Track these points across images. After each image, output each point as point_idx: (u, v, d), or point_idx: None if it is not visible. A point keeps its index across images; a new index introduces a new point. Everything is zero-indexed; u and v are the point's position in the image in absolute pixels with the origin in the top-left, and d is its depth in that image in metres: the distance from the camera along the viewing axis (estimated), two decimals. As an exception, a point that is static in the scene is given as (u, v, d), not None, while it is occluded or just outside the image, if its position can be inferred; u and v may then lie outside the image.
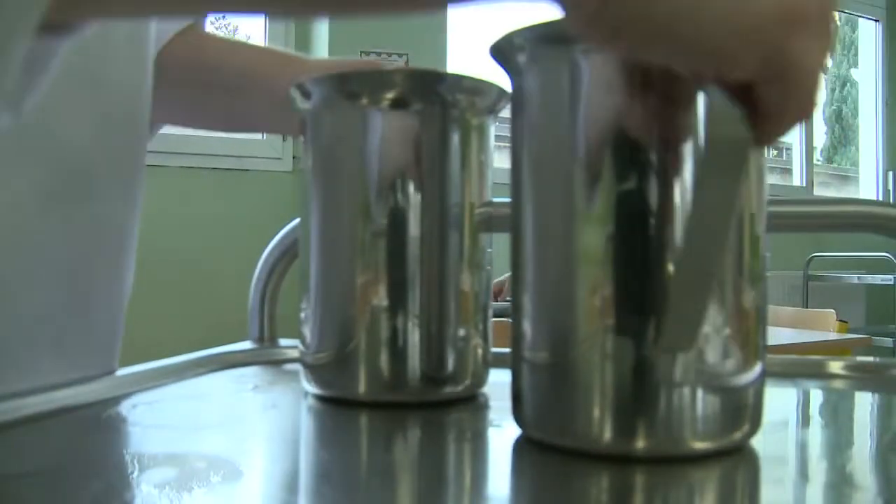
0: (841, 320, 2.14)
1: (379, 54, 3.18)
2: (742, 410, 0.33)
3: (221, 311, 2.49)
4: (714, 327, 0.32)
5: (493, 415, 0.44)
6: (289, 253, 0.62)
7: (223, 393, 0.50)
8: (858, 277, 4.27)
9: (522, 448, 0.36)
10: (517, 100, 0.36)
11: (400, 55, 3.19)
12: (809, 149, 4.68)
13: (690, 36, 0.26)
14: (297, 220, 0.60)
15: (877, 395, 0.51)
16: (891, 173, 4.81)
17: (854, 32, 6.01)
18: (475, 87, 0.45)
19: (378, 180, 0.44)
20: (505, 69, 0.37)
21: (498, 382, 0.53)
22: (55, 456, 0.35)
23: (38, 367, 0.46)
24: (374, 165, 0.44)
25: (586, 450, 0.33)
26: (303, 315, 0.47)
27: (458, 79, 0.45)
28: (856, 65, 5.80)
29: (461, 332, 0.45)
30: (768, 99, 0.28)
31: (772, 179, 5.32)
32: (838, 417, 0.47)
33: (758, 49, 0.27)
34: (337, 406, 0.45)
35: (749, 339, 0.33)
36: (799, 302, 4.22)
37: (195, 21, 0.62)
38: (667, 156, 0.31)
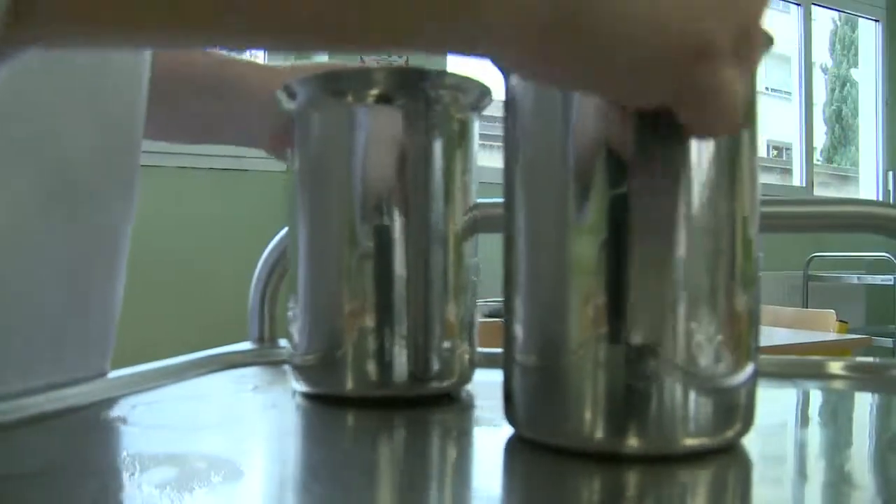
0: (841, 321, 2.14)
1: (379, 57, 3.18)
2: (734, 411, 0.33)
3: (219, 312, 2.49)
4: (706, 331, 0.32)
5: (488, 414, 0.44)
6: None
7: (223, 393, 0.50)
8: (858, 278, 4.27)
9: (514, 447, 0.36)
10: (510, 101, 0.36)
11: (400, 55, 3.19)
12: (809, 149, 4.68)
13: (604, 70, 0.28)
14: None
15: (876, 396, 0.51)
16: (891, 173, 4.80)
17: (854, 32, 6.00)
18: (458, 84, 0.45)
19: (364, 179, 0.44)
20: (498, 68, 0.37)
21: (494, 382, 0.53)
22: (55, 456, 0.35)
23: (36, 368, 0.46)
24: (360, 164, 0.44)
25: (578, 449, 0.33)
26: (290, 314, 0.47)
27: (442, 75, 0.45)
28: (856, 65, 5.80)
29: (447, 337, 0.46)
30: (687, 120, 0.30)
31: (771, 179, 5.33)
32: (838, 418, 0.47)
33: (666, 80, 0.28)
34: (334, 406, 0.45)
35: (742, 341, 0.33)
36: (799, 302, 4.21)
37: None
38: (659, 163, 0.31)
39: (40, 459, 0.35)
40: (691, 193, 0.31)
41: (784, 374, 0.54)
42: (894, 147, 4.88)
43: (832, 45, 7.39)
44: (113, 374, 0.50)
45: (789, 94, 4.84)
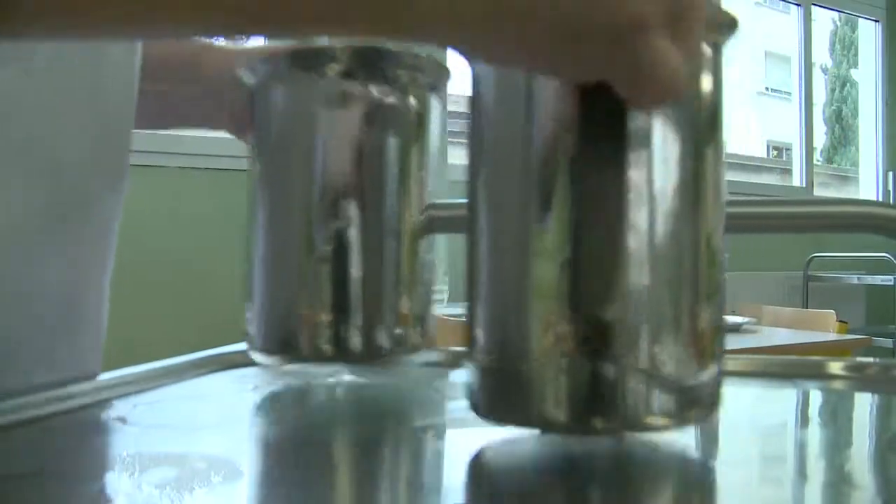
0: (841, 321, 2.14)
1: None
2: (697, 394, 0.32)
3: (219, 312, 2.49)
4: (668, 317, 0.31)
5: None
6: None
7: (223, 393, 0.50)
8: (858, 278, 4.27)
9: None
10: (475, 92, 0.35)
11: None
12: (809, 149, 4.68)
13: (541, 45, 0.29)
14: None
15: (876, 396, 0.51)
16: (891, 173, 4.81)
17: (854, 32, 6.00)
18: (416, 63, 0.46)
19: (320, 157, 0.44)
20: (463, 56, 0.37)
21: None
22: (55, 456, 0.35)
23: (28, 380, 0.46)
24: (316, 141, 0.45)
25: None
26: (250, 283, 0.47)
27: (399, 54, 0.46)
28: (856, 65, 5.80)
29: (399, 323, 0.45)
30: (624, 93, 0.30)
31: (771, 179, 5.33)
32: (838, 418, 0.47)
33: (601, 52, 0.29)
34: (337, 406, 0.45)
35: (706, 349, 0.32)
36: (799, 302, 4.21)
37: None
38: (623, 158, 0.31)
39: (40, 460, 0.35)
40: (654, 186, 0.31)
41: (784, 374, 0.54)
42: (894, 147, 4.88)
43: (832, 45, 7.39)
44: (113, 374, 0.50)
45: (789, 94, 4.85)
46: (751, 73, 8.64)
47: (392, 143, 0.45)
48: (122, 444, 0.39)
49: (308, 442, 0.41)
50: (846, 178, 5.89)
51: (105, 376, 0.49)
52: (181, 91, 0.62)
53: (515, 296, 0.32)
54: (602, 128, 0.31)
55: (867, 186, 4.95)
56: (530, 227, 0.32)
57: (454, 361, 0.57)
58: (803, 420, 0.46)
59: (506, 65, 0.33)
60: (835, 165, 6.55)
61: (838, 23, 7.18)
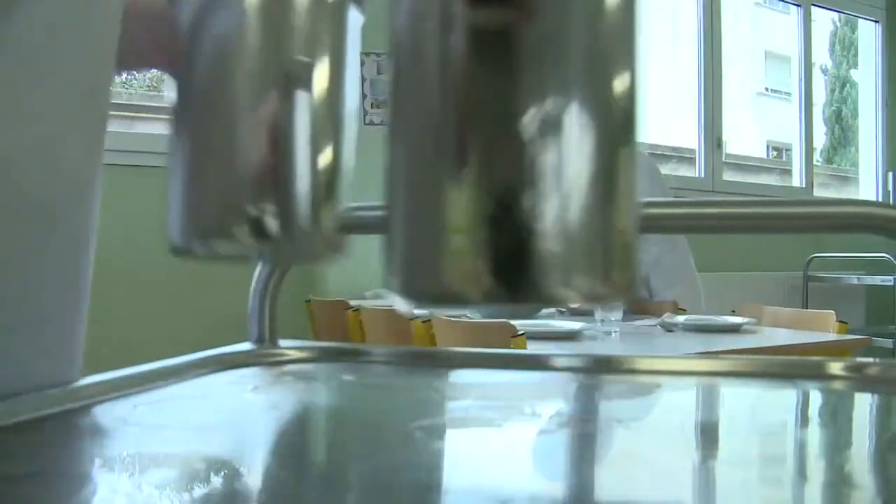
0: (841, 321, 2.14)
1: (379, 55, 3.18)
2: (609, 263, 0.31)
3: (219, 312, 2.49)
4: (581, 217, 0.30)
5: (487, 413, 0.45)
6: (289, 253, 0.62)
7: (223, 393, 0.50)
8: (858, 278, 4.27)
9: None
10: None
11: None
12: (809, 149, 4.68)
13: None
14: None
15: (876, 396, 0.51)
16: (891, 174, 4.81)
17: (854, 33, 6.01)
18: None
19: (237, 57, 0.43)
20: None
21: (487, 383, 0.53)
22: (55, 456, 0.35)
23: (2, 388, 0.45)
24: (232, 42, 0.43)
25: (456, 302, 0.31)
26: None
27: None
28: (855, 65, 5.80)
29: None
30: None
31: (771, 180, 5.33)
32: (838, 418, 0.47)
33: None
34: (337, 406, 0.45)
35: (619, 228, 0.30)
36: (799, 303, 4.22)
37: None
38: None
39: (40, 460, 0.35)
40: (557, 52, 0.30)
41: (784, 375, 0.54)
42: (894, 148, 4.88)
43: (832, 45, 7.40)
44: (113, 374, 0.50)
45: (789, 94, 4.85)
46: (751, 74, 8.64)
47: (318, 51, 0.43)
48: (122, 444, 0.39)
49: (308, 442, 0.41)
50: (846, 179, 5.89)
51: (105, 376, 0.49)
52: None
53: (428, 172, 0.31)
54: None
55: (867, 186, 4.96)
56: (440, 94, 0.30)
57: (454, 361, 0.57)
58: (803, 420, 0.46)
59: None
60: (834, 166, 6.55)
61: (838, 23, 7.19)
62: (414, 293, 0.32)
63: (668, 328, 2.04)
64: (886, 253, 3.95)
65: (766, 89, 9.00)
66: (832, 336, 2.08)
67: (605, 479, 0.33)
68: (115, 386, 0.47)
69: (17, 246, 0.49)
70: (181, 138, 0.43)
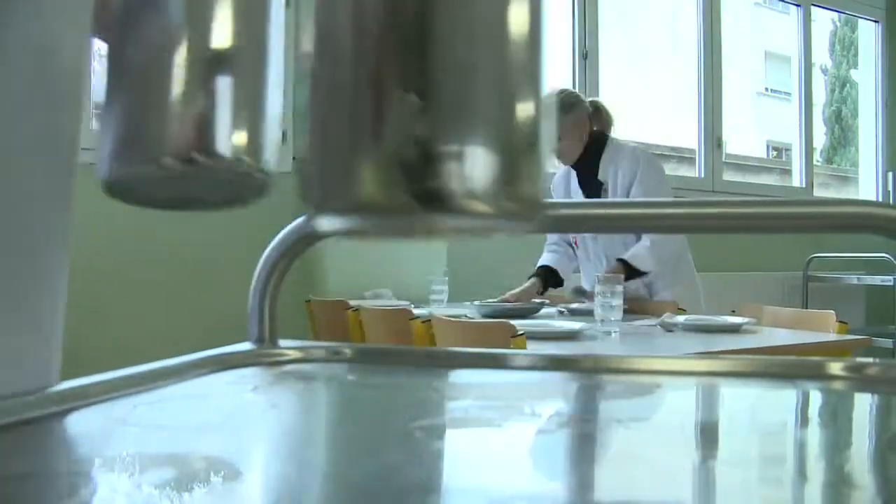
0: (841, 321, 2.14)
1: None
2: (513, 178, 0.31)
3: (219, 312, 2.49)
4: (487, 127, 0.30)
5: (487, 413, 0.45)
6: (289, 253, 0.62)
7: (223, 393, 0.50)
8: (858, 278, 4.27)
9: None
10: None
11: None
12: (809, 149, 4.68)
13: None
14: (297, 221, 0.60)
15: (876, 396, 0.51)
16: (890, 174, 4.81)
17: (854, 33, 6.01)
18: None
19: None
20: None
21: (487, 383, 0.53)
22: (55, 456, 0.35)
23: None
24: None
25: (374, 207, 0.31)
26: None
27: None
28: (855, 65, 5.80)
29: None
30: None
31: (771, 180, 5.33)
32: (838, 418, 0.47)
33: None
34: (337, 406, 0.45)
35: (526, 140, 0.30)
36: (799, 303, 4.22)
37: None
38: None
39: (39, 459, 0.35)
40: None
41: (784, 375, 0.54)
42: (894, 148, 4.88)
43: (832, 45, 7.40)
44: (112, 373, 0.50)
45: (789, 94, 4.85)
46: (751, 74, 8.65)
47: None
48: (122, 444, 0.39)
49: (308, 442, 0.41)
50: (846, 179, 5.89)
51: (105, 376, 0.49)
52: None
53: (342, 96, 0.31)
54: None
55: (867, 187, 4.96)
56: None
57: (454, 361, 0.57)
58: (803, 420, 0.46)
59: None
60: (834, 166, 6.55)
61: (838, 23, 7.19)
62: (330, 206, 0.32)
63: (668, 328, 2.04)
64: (886, 253, 3.95)
65: (766, 89, 9.00)
66: (832, 336, 2.08)
67: (605, 479, 0.33)
68: (114, 386, 0.47)
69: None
70: (110, 109, 0.43)
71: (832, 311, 2.19)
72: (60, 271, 0.56)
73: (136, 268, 2.99)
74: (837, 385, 0.54)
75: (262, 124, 0.42)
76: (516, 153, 0.30)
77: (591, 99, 2.72)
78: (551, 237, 2.82)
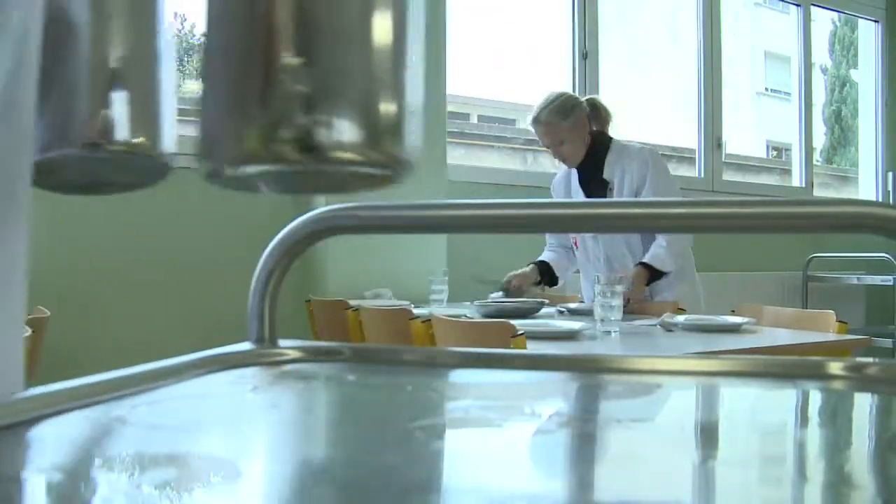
0: (840, 321, 2.14)
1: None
2: (377, 133, 0.33)
3: (219, 312, 2.49)
4: (350, 83, 0.32)
5: (487, 413, 0.45)
6: (289, 253, 0.62)
7: (223, 393, 0.50)
8: (858, 278, 4.27)
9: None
10: None
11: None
12: (809, 149, 4.68)
13: None
14: (297, 221, 0.60)
15: (876, 396, 0.51)
16: (890, 174, 4.81)
17: (854, 33, 6.01)
18: None
19: None
20: None
21: (487, 383, 0.53)
22: (55, 456, 0.35)
23: None
24: None
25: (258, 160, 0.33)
26: None
27: None
28: (855, 65, 5.80)
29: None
30: None
31: (771, 180, 5.33)
32: (838, 418, 0.47)
33: None
34: (337, 406, 0.45)
35: (393, 95, 0.33)
36: (798, 302, 4.22)
37: None
38: None
39: (39, 460, 0.35)
40: None
41: (784, 375, 0.54)
42: (894, 147, 4.88)
43: (832, 45, 7.40)
44: (112, 374, 0.50)
45: (789, 94, 4.85)
46: (750, 74, 8.64)
47: None
48: (122, 444, 0.39)
49: (307, 442, 0.41)
50: (846, 179, 5.89)
51: (104, 376, 0.49)
52: None
53: (230, 46, 0.34)
54: None
55: (867, 186, 4.96)
56: None
57: (454, 361, 0.57)
58: (803, 420, 0.46)
59: None
60: (834, 166, 6.56)
61: (838, 23, 7.19)
62: (223, 158, 0.35)
63: (668, 328, 2.04)
64: (886, 253, 3.95)
65: (766, 89, 9.00)
66: (832, 336, 2.08)
67: (605, 479, 0.33)
68: (114, 386, 0.47)
69: None
70: None
71: (832, 311, 2.20)
72: (15, 266, 0.55)
73: (136, 268, 2.99)
74: (837, 385, 0.54)
75: (158, 114, 0.45)
76: (382, 113, 0.34)
77: (587, 97, 2.72)
78: (550, 240, 2.83)
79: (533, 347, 1.68)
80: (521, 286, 2.69)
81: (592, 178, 2.59)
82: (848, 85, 7.04)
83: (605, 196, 2.54)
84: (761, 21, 8.25)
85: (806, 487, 0.32)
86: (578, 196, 2.64)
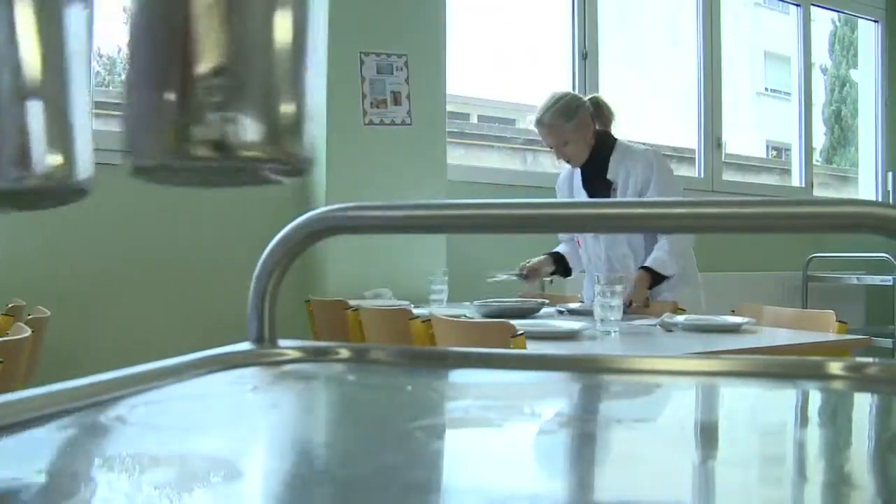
0: (840, 321, 2.14)
1: (378, 55, 3.18)
2: (277, 133, 0.36)
3: (218, 312, 2.49)
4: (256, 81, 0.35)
5: (487, 413, 0.45)
6: (289, 253, 0.62)
7: (223, 393, 0.50)
8: (858, 278, 4.27)
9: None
10: None
11: (399, 55, 3.19)
12: (809, 149, 4.68)
13: None
14: (297, 221, 0.60)
15: (876, 396, 0.51)
16: (890, 174, 4.81)
17: (853, 33, 6.01)
18: None
19: None
20: None
21: (487, 383, 0.53)
22: (55, 456, 0.35)
23: None
24: None
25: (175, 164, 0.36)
26: None
27: None
28: (855, 65, 5.80)
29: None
30: None
31: (771, 180, 5.33)
32: (838, 418, 0.47)
33: None
34: (337, 406, 0.45)
35: (293, 95, 0.36)
36: (798, 302, 4.22)
37: None
38: None
39: (39, 460, 0.35)
40: None
41: (784, 375, 0.54)
42: (894, 147, 4.88)
43: (831, 45, 7.40)
44: (113, 374, 0.50)
45: (789, 94, 4.85)
46: (750, 74, 8.65)
47: None
48: (122, 444, 0.39)
49: (307, 442, 0.41)
50: (846, 179, 5.89)
51: (105, 376, 0.49)
52: None
53: (151, 54, 0.36)
54: None
55: (867, 186, 4.96)
56: None
57: (454, 361, 0.57)
58: (803, 420, 0.46)
59: None
60: (834, 166, 6.56)
61: (838, 23, 7.19)
62: (144, 154, 0.38)
63: (668, 328, 2.04)
64: (886, 253, 3.95)
65: (766, 89, 9.00)
66: (832, 336, 2.08)
67: (605, 479, 0.33)
68: (114, 386, 0.47)
69: None
70: None
71: (832, 311, 2.19)
72: None
73: (136, 268, 2.99)
74: (837, 385, 0.54)
75: (72, 143, 0.47)
76: (284, 117, 0.36)
77: (590, 96, 2.72)
78: (563, 236, 2.83)
79: (533, 347, 1.68)
80: (538, 269, 2.72)
81: (596, 179, 2.59)
82: (848, 85, 7.04)
83: (608, 196, 2.54)
84: (761, 21, 8.25)
85: (806, 487, 0.32)
86: (581, 196, 2.64)
